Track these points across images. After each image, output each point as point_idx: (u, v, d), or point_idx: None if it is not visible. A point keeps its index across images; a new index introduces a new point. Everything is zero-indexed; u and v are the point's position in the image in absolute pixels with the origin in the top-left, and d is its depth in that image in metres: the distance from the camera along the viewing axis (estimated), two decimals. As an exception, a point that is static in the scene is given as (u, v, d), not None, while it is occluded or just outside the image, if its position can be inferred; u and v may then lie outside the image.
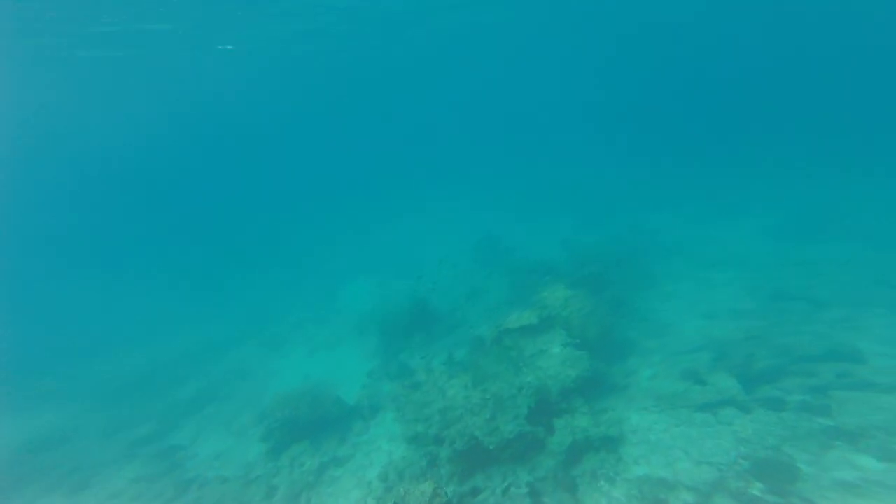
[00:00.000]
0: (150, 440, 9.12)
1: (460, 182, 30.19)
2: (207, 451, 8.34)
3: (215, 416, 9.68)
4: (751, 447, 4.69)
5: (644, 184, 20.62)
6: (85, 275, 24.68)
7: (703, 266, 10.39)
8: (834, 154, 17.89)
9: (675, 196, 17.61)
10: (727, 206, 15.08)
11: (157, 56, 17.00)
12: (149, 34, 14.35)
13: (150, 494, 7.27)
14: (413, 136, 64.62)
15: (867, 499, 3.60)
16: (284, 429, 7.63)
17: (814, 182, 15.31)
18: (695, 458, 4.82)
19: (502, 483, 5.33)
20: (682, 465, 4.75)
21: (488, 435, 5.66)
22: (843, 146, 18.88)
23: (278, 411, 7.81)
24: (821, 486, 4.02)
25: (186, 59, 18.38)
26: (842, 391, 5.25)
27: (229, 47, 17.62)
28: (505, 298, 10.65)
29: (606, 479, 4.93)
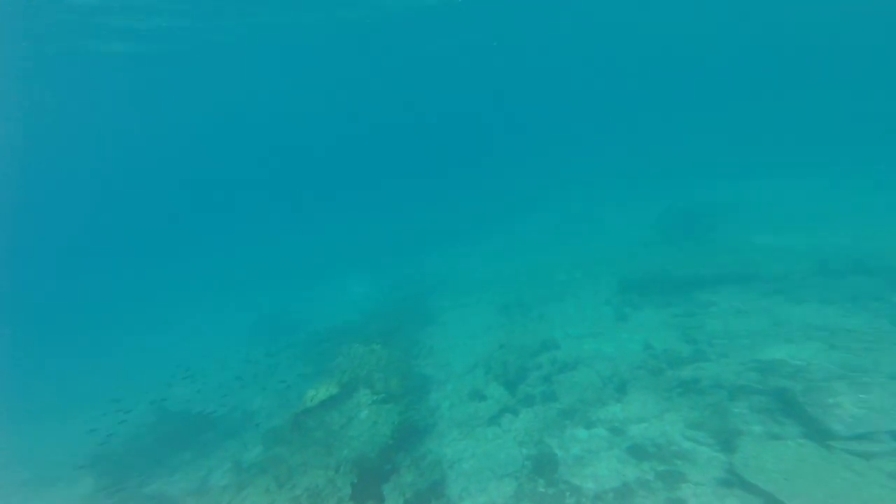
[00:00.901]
0: None
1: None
2: None
3: None
4: (527, 447, 6.10)
5: (415, 230, 24.27)
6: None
7: (462, 293, 13.00)
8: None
9: (439, 237, 21.72)
10: (475, 238, 19.79)
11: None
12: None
13: None
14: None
15: (589, 466, 5.41)
16: None
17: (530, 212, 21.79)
18: (498, 474, 5.89)
19: None
20: (492, 486, 5.70)
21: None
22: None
23: None
24: (569, 466, 5.46)
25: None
26: (558, 375, 7.44)
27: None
28: (298, 375, 9.78)
29: (443, 529, 5.38)
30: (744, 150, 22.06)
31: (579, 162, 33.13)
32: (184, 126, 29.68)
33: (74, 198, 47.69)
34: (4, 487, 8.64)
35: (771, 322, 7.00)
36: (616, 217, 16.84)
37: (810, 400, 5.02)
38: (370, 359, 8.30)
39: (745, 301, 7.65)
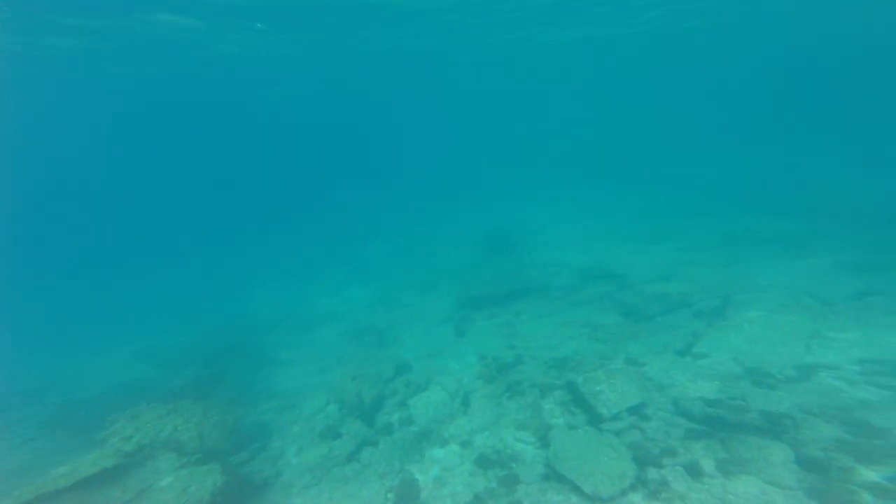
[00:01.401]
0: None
1: None
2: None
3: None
4: (388, 479, 6.17)
5: (232, 268, 20.48)
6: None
7: (306, 327, 11.95)
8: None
9: (277, 272, 19.88)
10: (317, 268, 18.61)
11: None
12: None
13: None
14: None
15: (448, 485, 6.03)
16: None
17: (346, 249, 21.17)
18: (360, 520, 6.18)
19: None
20: (354, 533, 5.97)
21: None
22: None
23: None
24: (430, 490, 5.72)
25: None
26: (413, 398, 7.80)
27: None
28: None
29: None
30: (542, 181, 28.22)
31: (416, 191, 35.38)
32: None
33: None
34: None
35: (560, 323, 9.33)
36: (450, 240, 18.85)
37: (587, 390, 6.94)
38: (174, 418, 6.80)
39: (543, 307, 9.92)
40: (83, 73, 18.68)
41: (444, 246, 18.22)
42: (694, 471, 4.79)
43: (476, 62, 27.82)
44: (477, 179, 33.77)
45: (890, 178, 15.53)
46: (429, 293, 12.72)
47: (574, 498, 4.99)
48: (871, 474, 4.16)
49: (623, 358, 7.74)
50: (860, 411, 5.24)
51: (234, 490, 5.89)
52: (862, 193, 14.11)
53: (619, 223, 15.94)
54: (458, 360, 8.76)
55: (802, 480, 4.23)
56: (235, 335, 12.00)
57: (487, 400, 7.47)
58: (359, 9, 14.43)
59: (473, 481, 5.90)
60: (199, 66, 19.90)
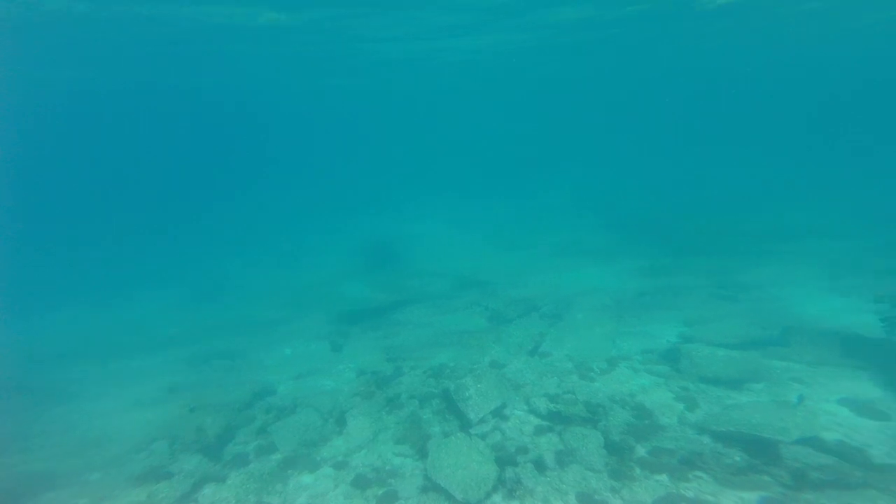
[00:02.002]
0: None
1: None
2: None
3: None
4: None
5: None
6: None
7: (127, 354, 9.55)
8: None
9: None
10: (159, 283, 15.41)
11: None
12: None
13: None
14: None
15: None
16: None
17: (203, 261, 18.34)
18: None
19: None
20: None
21: None
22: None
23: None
24: None
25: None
26: (276, 423, 7.31)
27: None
28: None
29: None
30: (413, 194, 28.88)
31: (284, 203, 32.64)
32: None
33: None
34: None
35: (436, 333, 9.99)
36: (324, 252, 17.69)
37: (459, 396, 7.70)
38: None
39: (422, 317, 10.42)
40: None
41: (319, 259, 17.19)
42: (540, 465, 5.93)
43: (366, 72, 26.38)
44: (374, 189, 33.26)
45: (678, 196, 21.23)
46: (301, 308, 11.85)
47: (448, 507, 5.58)
48: (641, 450, 5.91)
49: (488, 361, 8.82)
50: (640, 395, 7.32)
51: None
52: (655, 210, 19.02)
53: (489, 233, 17.74)
54: (334, 377, 8.52)
55: (607, 463, 5.74)
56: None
57: (366, 416, 7.53)
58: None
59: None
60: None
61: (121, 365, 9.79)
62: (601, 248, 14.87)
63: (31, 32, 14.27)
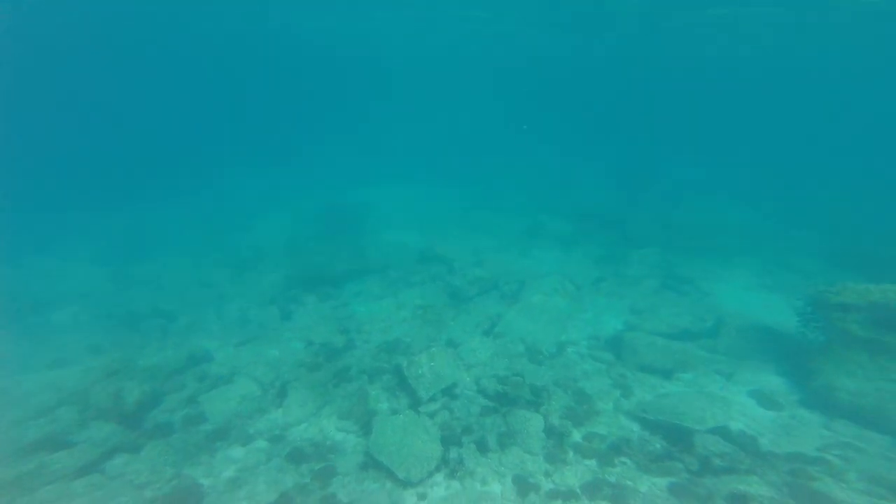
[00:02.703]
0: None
1: None
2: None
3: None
4: (154, 488, 5.26)
5: None
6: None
7: (42, 310, 8.43)
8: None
9: None
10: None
11: None
12: None
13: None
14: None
15: (245, 486, 5.38)
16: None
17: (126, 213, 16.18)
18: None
19: None
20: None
21: None
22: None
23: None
24: (220, 494, 5.23)
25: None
26: (205, 393, 6.82)
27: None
28: None
29: None
30: (373, 163, 27.35)
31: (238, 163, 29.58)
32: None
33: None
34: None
35: (396, 305, 9.86)
36: (279, 215, 16.39)
37: (411, 373, 7.68)
38: None
39: (382, 288, 10.19)
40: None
41: (274, 222, 16.02)
42: (482, 446, 6.15)
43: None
44: (343, 149, 31.24)
45: (634, 188, 21.81)
46: (249, 271, 11.13)
47: (389, 484, 5.59)
48: (577, 434, 6.31)
49: (445, 339, 8.87)
50: (582, 381, 7.73)
51: None
52: (613, 201, 19.53)
53: (454, 214, 17.40)
54: (280, 346, 8.20)
55: (545, 446, 6.06)
56: None
57: (310, 389, 7.32)
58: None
59: (281, 478, 5.58)
60: None
61: (39, 320, 8.89)
62: (562, 234, 15.16)
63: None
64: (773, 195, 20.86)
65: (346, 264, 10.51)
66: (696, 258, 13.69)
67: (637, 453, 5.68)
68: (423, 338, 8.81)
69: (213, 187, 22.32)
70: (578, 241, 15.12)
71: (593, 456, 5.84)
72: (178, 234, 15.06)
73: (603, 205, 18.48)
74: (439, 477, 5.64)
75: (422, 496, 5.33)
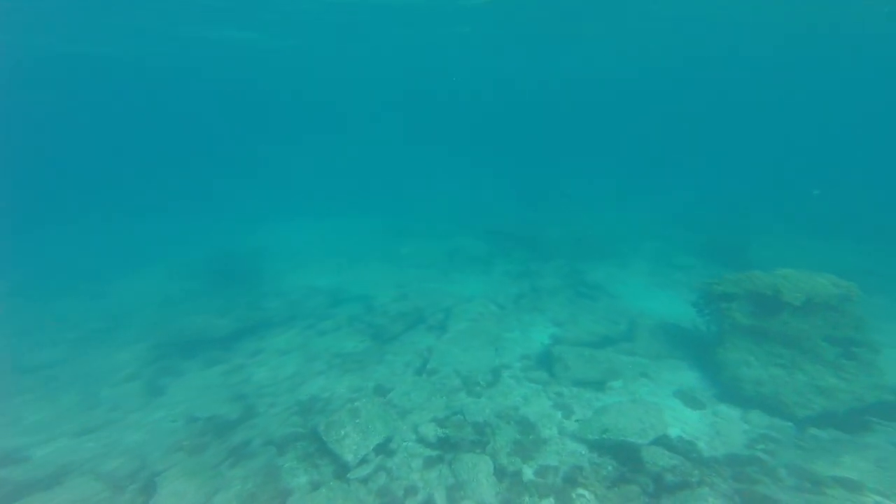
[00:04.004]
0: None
1: None
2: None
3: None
4: None
5: None
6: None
7: None
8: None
9: None
10: None
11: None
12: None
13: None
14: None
15: None
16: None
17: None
18: None
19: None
20: None
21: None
22: None
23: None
24: None
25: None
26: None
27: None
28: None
29: None
30: (277, 199, 25.00)
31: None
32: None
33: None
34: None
35: (306, 359, 8.44)
36: (151, 270, 13.49)
37: (331, 436, 6.41)
38: None
39: (288, 341, 8.67)
40: None
41: (150, 273, 13.08)
42: (430, 510, 5.29)
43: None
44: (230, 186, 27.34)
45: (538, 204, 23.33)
46: (99, 345, 8.63)
47: None
48: (528, 471, 5.85)
49: (372, 386, 7.79)
50: (523, 407, 7.37)
51: None
52: (522, 218, 20.57)
53: (369, 246, 16.38)
54: (144, 429, 6.25)
55: (498, 492, 5.45)
56: None
57: (192, 477, 5.61)
58: None
59: None
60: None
61: None
62: (480, 255, 15.28)
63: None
64: (650, 198, 24.23)
65: (240, 321, 8.76)
66: (600, 264, 14.88)
67: (592, 482, 5.40)
68: (345, 389, 7.64)
69: (65, 238, 17.64)
70: (496, 260, 15.35)
71: (550, 493, 5.40)
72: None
73: (514, 220, 19.29)
74: (383, 567, 4.58)
75: None
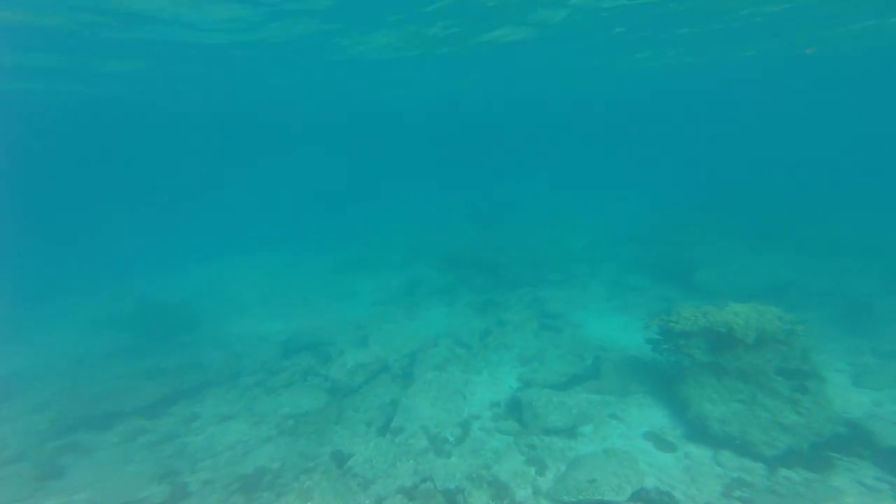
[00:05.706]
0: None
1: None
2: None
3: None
4: None
5: None
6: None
7: None
8: None
9: None
10: None
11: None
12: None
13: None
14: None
15: None
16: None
17: None
18: None
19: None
20: None
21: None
22: None
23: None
24: None
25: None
26: None
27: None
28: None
29: None
30: (213, 234, 23.24)
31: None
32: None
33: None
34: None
35: (252, 422, 7.48)
36: (56, 326, 11.77)
37: None
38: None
39: (229, 403, 7.66)
40: None
41: (57, 331, 11.33)
42: None
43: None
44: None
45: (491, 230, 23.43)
46: None
47: None
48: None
49: (329, 453, 7.01)
50: (495, 466, 6.91)
51: None
52: (479, 238, 20.53)
53: (322, 282, 15.44)
54: None
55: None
56: None
57: None
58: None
59: None
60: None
61: None
62: (441, 286, 14.89)
63: None
64: (603, 208, 24.96)
65: (169, 385, 7.63)
66: (560, 290, 14.97)
67: (574, 557, 5.03)
68: (297, 458, 6.80)
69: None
70: (458, 290, 15.03)
71: (530, 575, 4.95)
72: None
73: (469, 242, 19.03)
74: None
75: None
